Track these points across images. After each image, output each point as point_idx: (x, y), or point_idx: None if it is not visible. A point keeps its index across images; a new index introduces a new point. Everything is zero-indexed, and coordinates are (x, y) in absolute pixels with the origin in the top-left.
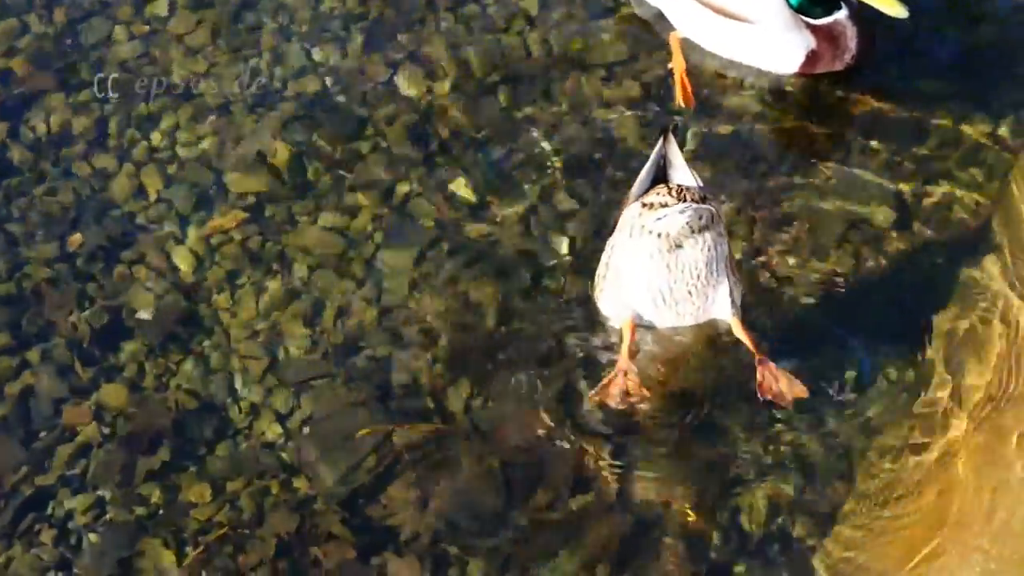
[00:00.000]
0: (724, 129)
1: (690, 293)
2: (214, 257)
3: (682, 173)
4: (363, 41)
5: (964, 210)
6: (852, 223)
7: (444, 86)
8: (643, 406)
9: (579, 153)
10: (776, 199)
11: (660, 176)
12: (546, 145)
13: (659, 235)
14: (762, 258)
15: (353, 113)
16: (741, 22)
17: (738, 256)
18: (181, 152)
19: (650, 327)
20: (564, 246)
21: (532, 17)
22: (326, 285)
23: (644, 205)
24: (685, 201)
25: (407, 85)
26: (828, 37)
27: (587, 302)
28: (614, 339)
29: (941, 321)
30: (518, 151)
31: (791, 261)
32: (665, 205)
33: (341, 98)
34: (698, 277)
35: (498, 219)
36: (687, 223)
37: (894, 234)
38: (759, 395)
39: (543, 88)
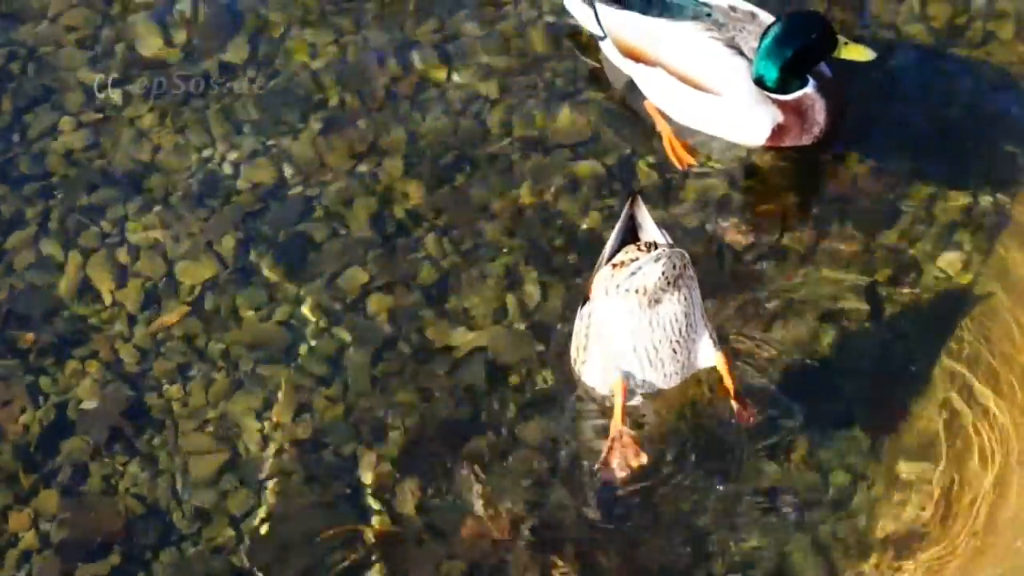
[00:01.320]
0: (692, 216)
1: (674, 351)
2: (160, 351)
3: (652, 233)
4: (320, 128)
5: (938, 298)
6: (825, 313)
7: (405, 171)
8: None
9: (540, 238)
10: (746, 288)
11: (629, 239)
12: (509, 231)
13: (636, 291)
14: (733, 347)
15: (310, 201)
16: (709, 94)
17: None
18: (129, 243)
19: (639, 392)
20: (530, 335)
21: (493, 99)
22: (279, 379)
23: (615, 266)
24: (660, 250)
25: (366, 172)
26: (796, 111)
27: (552, 393)
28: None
29: (916, 411)
30: (480, 237)
31: (764, 353)
32: (636, 260)
33: (295, 188)
34: (680, 332)
35: (461, 308)
36: (662, 273)
37: (867, 324)
38: (738, 420)
39: (504, 170)
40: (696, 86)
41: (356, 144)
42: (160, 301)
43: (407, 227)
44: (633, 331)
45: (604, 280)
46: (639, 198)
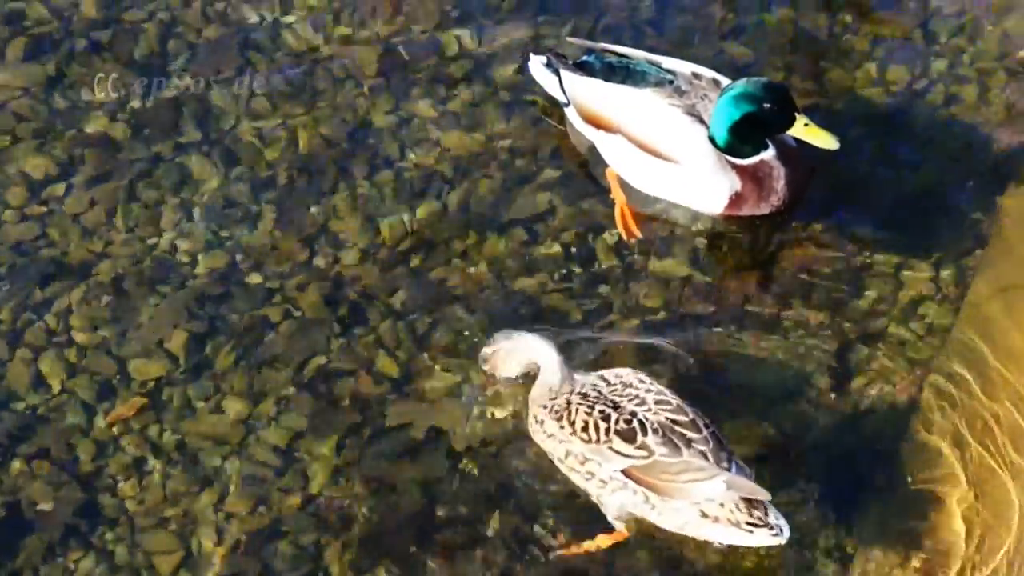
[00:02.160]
0: (653, 295)
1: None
2: (118, 445)
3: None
4: (274, 213)
5: (904, 369)
6: (789, 388)
7: (360, 255)
8: None
9: (500, 317)
10: (710, 363)
11: None
12: (466, 313)
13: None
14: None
15: (264, 289)
16: (668, 161)
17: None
18: (79, 338)
19: None
20: (491, 417)
21: (449, 179)
22: (236, 470)
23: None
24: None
25: (321, 256)
26: (754, 178)
27: (514, 480)
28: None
29: (881, 484)
30: (439, 319)
31: (726, 426)
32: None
33: (254, 276)
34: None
35: (422, 392)
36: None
37: (832, 396)
38: None
39: (461, 251)
40: (655, 153)
41: (309, 228)
42: (113, 393)
43: (363, 310)
44: None
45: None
46: None
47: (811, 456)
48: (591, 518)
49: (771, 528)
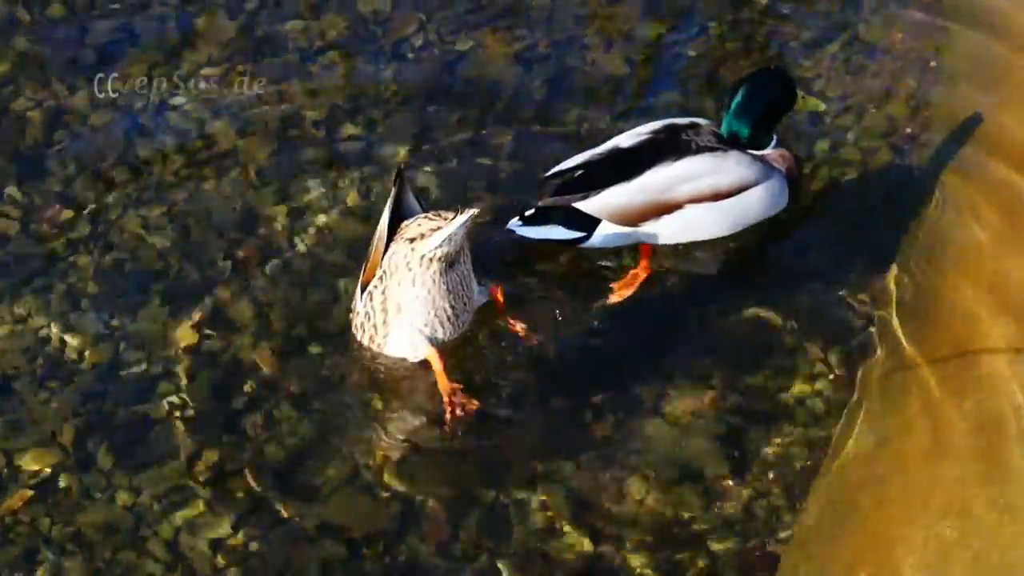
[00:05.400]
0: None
1: (464, 303)
2: (8, 537)
3: (414, 205)
4: (161, 302)
5: (801, 449)
6: (685, 471)
7: (253, 343)
8: None
9: (394, 414)
10: (602, 452)
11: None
12: (366, 403)
13: (439, 258)
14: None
15: (152, 379)
16: (747, 189)
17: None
18: None
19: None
20: (387, 503)
21: (339, 266)
22: (127, 566)
23: (411, 240)
24: (452, 213)
25: (213, 345)
26: (783, 158)
27: (415, 561)
28: None
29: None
30: (332, 412)
31: (614, 510)
32: (439, 228)
33: (139, 367)
34: (466, 286)
35: (314, 484)
36: (464, 226)
37: (729, 482)
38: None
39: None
40: (729, 193)
41: (200, 316)
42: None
43: (256, 400)
44: (436, 297)
45: (403, 256)
46: (404, 175)
47: (705, 541)
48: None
49: (459, 211)
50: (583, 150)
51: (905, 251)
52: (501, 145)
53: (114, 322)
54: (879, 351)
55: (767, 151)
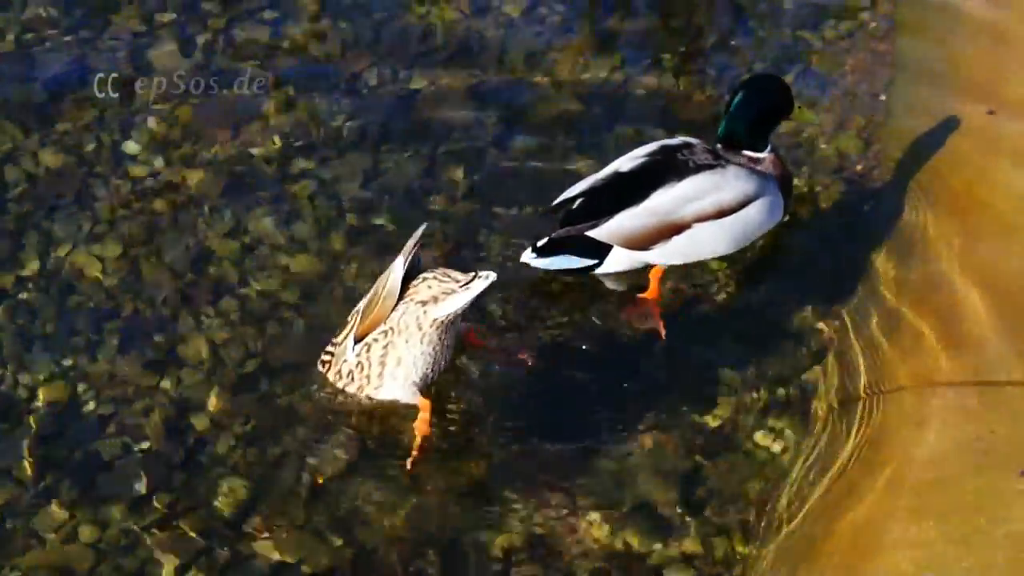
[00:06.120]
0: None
1: (451, 348)
2: None
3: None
4: (116, 342)
5: (756, 483)
6: (641, 506)
7: (205, 379)
8: None
9: (349, 450)
10: (554, 484)
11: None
12: (315, 440)
13: (451, 322)
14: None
15: (105, 418)
16: (752, 202)
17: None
18: None
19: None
20: (338, 552)
21: (293, 304)
22: None
23: (423, 303)
24: (467, 276)
25: (164, 383)
26: (774, 163)
27: None
28: None
29: None
30: (285, 450)
31: (572, 548)
32: (453, 293)
33: (91, 404)
34: (456, 334)
35: (267, 524)
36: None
37: (686, 517)
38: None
39: (313, 380)
40: (732, 210)
41: (153, 355)
42: None
43: (209, 439)
44: (437, 353)
45: (414, 317)
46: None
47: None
48: None
49: (480, 276)
50: (537, 188)
51: (860, 284)
52: (455, 181)
53: (65, 360)
54: (835, 384)
55: (763, 154)
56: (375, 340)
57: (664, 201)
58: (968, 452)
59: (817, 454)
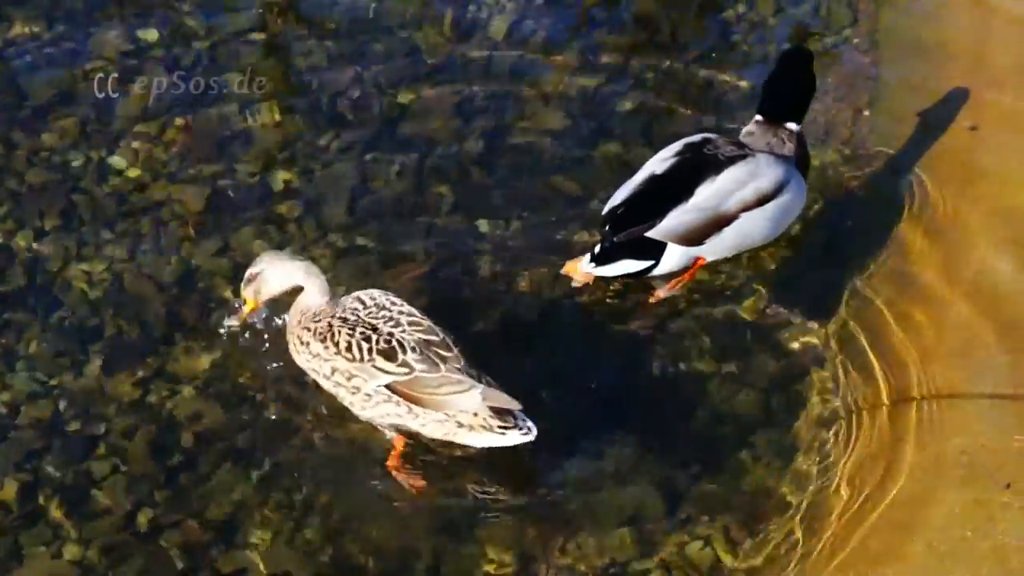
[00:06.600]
0: None
1: None
2: None
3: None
4: (102, 361)
5: (741, 497)
6: (628, 518)
7: (195, 396)
8: None
9: (334, 466)
10: (542, 495)
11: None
12: (304, 456)
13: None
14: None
15: (93, 438)
16: (783, 192)
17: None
18: None
19: None
20: (324, 569)
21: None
22: None
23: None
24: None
25: (152, 400)
26: (799, 142)
27: None
28: None
29: None
30: (271, 467)
31: (559, 561)
32: (488, 429)
33: (78, 423)
34: None
35: (251, 541)
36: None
37: (672, 529)
38: None
39: (299, 395)
40: (770, 197)
41: (141, 373)
42: None
43: (195, 456)
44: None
45: (444, 418)
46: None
47: None
48: None
49: (521, 428)
50: (522, 203)
51: (845, 299)
52: (441, 195)
53: (50, 379)
54: (820, 398)
55: (798, 127)
56: (398, 403)
57: (708, 195)
58: (954, 465)
59: (803, 465)
